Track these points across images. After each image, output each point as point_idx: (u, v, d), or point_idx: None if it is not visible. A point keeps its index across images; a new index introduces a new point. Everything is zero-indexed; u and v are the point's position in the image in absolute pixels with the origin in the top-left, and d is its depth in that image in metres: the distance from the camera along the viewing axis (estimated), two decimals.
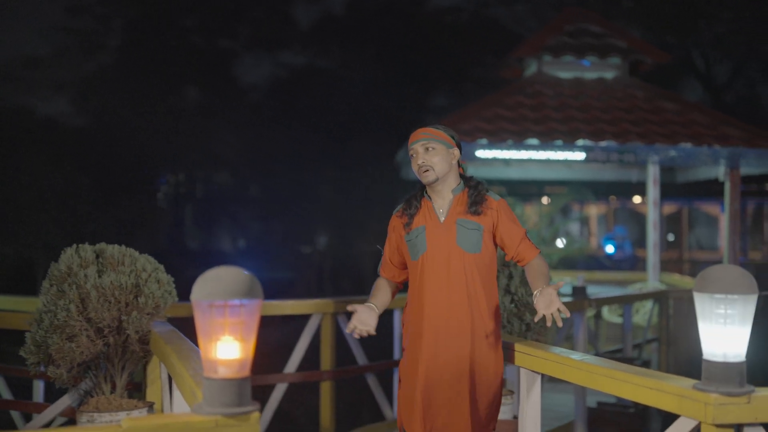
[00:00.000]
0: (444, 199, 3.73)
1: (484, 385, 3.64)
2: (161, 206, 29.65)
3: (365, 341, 7.17)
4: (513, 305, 4.84)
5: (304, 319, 6.78)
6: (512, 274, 4.90)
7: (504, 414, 4.88)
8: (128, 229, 22.27)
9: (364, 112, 28.37)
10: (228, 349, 2.38)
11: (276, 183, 29.11)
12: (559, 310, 3.42)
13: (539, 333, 4.86)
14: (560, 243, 17.12)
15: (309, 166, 28.15)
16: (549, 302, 3.43)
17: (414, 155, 3.70)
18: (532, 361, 3.84)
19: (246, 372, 2.40)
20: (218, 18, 29.85)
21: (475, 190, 3.74)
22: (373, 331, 3.65)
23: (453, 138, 3.78)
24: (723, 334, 2.81)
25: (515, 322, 4.81)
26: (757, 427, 2.81)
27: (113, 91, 24.25)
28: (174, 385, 3.67)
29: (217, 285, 2.34)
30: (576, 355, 3.67)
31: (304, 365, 6.79)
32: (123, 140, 23.11)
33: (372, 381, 7.20)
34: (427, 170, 3.65)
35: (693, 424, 2.89)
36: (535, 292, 3.55)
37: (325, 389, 6.76)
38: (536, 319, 3.45)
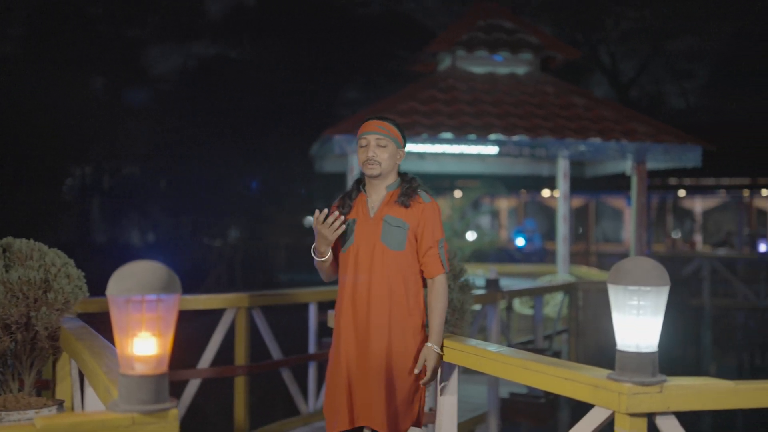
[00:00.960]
0: (378, 194, 3.78)
1: (401, 378, 3.66)
2: (67, 199, 28.98)
3: (279, 336, 7.15)
4: None
5: (217, 313, 6.70)
6: None
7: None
8: (32, 223, 21.69)
9: (276, 104, 28.18)
10: (145, 345, 2.34)
11: (186, 176, 28.72)
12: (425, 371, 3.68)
13: (455, 325, 4.90)
14: (471, 236, 17.29)
15: (220, 159, 27.86)
16: (424, 367, 3.67)
17: (365, 145, 3.70)
18: (449, 353, 3.87)
19: (164, 368, 2.36)
20: (126, 7, 29.25)
21: (408, 184, 3.79)
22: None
23: (403, 138, 3.84)
24: (636, 325, 2.87)
25: None
26: (669, 415, 2.87)
27: (16, 82, 23.53)
28: (86, 383, 3.58)
29: (134, 280, 2.29)
30: (493, 347, 3.71)
31: (218, 360, 6.71)
32: (27, 131, 22.47)
33: (287, 375, 7.17)
34: (374, 165, 3.68)
35: (607, 413, 2.95)
36: (426, 345, 3.70)
37: (240, 384, 6.70)
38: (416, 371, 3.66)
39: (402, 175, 3.85)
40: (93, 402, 3.45)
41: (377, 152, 3.68)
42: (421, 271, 3.78)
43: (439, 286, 3.75)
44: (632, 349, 2.88)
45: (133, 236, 32.37)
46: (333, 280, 3.90)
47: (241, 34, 32.25)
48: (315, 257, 3.72)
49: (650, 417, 2.88)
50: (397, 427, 3.64)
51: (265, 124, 27.86)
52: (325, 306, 7.16)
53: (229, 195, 28.49)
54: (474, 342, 3.86)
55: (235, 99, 28.47)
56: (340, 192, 3.95)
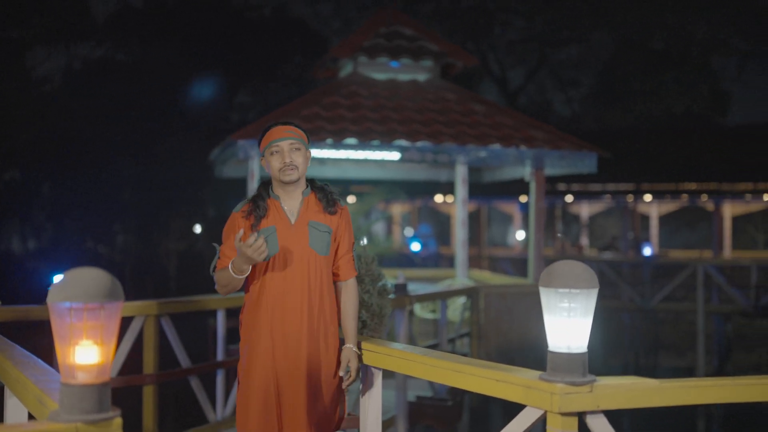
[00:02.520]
0: (294, 200, 3.73)
1: (329, 383, 3.68)
2: None
3: (187, 344, 7.05)
4: None
5: (126, 322, 6.57)
6: None
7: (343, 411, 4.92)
8: None
9: (168, 108, 27.71)
10: (87, 353, 2.30)
11: (71, 180, 27.92)
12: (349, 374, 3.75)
13: (374, 330, 4.93)
14: (362, 242, 17.37)
15: (108, 164, 27.20)
16: (347, 367, 3.73)
17: (278, 152, 3.66)
18: (374, 357, 3.89)
19: (106, 377, 2.33)
20: (9, 8, 28.31)
21: (324, 192, 3.79)
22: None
23: (308, 140, 3.82)
24: (567, 326, 2.96)
25: None
26: (598, 414, 2.97)
27: None
28: (6, 393, 3.47)
29: (76, 287, 2.26)
30: (419, 351, 3.75)
31: (125, 369, 6.57)
32: None
33: (195, 384, 7.07)
34: (293, 170, 3.65)
35: (539, 413, 3.02)
36: (345, 346, 3.77)
37: (148, 393, 6.58)
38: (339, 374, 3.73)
39: (309, 181, 3.85)
40: (16, 413, 3.35)
41: (294, 157, 3.66)
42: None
43: (352, 288, 3.83)
44: (563, 350, 2.96)
45: (14, 244, 31.29)
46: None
47: (129, 36, 31.56)
48: (233, 274, 3.52)
49: (581, 416, 2.97)
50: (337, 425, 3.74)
51: (156, 128, 27.35)
52: (233, 313, 7.11)
53: (119, 200, 27.84)
54: (400, 346, 3.90)
55: (125, 102, 27.86)
56: (238, 197, 3.86)
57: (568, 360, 2.95)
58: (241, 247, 3.41)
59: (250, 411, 3.58)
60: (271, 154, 3.68)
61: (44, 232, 30.51)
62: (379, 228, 30.82)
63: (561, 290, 2.95)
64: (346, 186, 25.63)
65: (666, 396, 3.04)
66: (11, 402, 3.42)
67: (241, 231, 3.46)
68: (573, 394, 2.89)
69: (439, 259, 24.70)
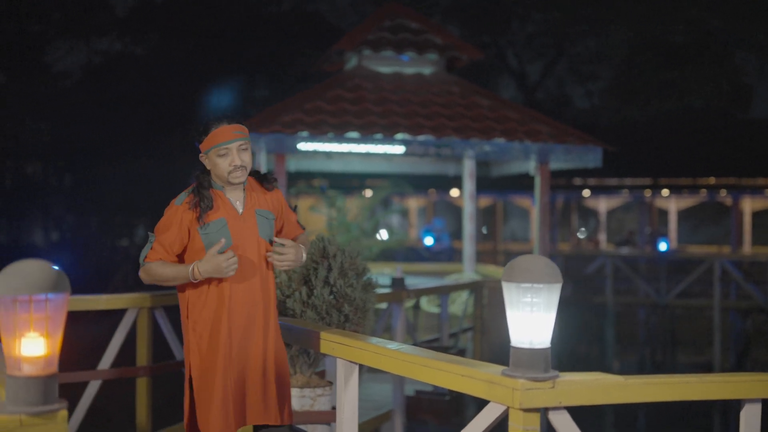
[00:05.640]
0: (237, 189, 3.66)
1: (283, 374, 3.67)
2: None
3: (181, 336, 7.05)
4: (332, 297, 4.88)
5: (120, 314, 6.59)
6: (331, 266, 4.94)
7: (323, 405, 4.93)
8: None
9: (184, 101, 27.80)
10: (33, 345, 2.31)
11: (92, 174, 28.12)
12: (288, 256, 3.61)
13: (357, 324, 4.92)
14: (382, 235, 17.38)
15: (127, 157, 27.35)
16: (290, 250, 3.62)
17: (226, 155, 3.54)
18: (350, 351, 3.88)
19: (53, 369, 2.33)
20: (27, 2, 28.49)
21: (261, 177, 3.78)
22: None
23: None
24: (529, 321, 2.93)
25: (334, 313, 4.85)
26: (561, 410, 2.94)
27: None
28: None
29: (21, 279, 2.26)
30: (392, 345, 3.74)
31: (120, 361, 6.59)
32: None
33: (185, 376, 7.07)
34: (242, 171, 3.56)
35: (501, 409, 3.00)
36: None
37: (141, 385, 6.60)
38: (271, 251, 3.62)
39: None
40: None
41: (243, 157, 3.56)
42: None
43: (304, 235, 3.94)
44: (526, 345, 2.94)
45: (36, 236, 31.56)
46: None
47: (148, 30, 31.71)
48: (190, 277, 3.44)
49: (543, 412, 2.94)
50: (291, 417, 3.68)
51: (173, 121, 27.45)
52: None
53: (137, 194, 27.99)
54: (375, 340, 3.89)
55: (143, 96, 28.00)
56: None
57: (530, 355, 2.93)
58: (218, 260, 3.37)
59: (212, 407, 3.49)
60: (219, 155, 3.55)
61: (65, 225, 30.77)
62: (395, 222, 30.82)
63: (523, 285, 2.93)
64: (360, 180, 25.68)
65: (629, 393, 3.01)
66: None
67: (223, 241, 3.42)
68: (534, 389, 2.86)
69: (452, 253, 24.65)
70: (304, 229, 3.95)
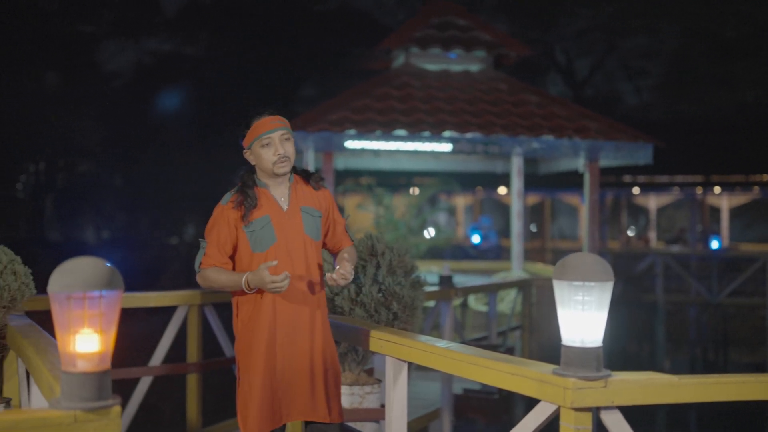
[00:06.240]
0: (282, 186, 3.65)
1: (332, 372, 3.66)
2: (21, 196, 28.61)
3: (230, 333, 7.11)
4: (380, 294, 4.88)
5: (170, 311, 6.65)
6: (380, 263, 4.93)
7: (371, 402, 4.92)
8: None
9: (232, 101, 28.02)
10: (87, 341, 2.32)
11: (142, 172, 28.46)
12: (344, 276, 3.51)
13: (406, 322, 4.91)
14: (429, 233, 17.35)
15: (176, 156, 27.64)
16: (343, 271, 3.51)
17: (269, 145, 3.55)
18: (399, 349, 3.87)
19: (106, 365, 2.35)
20: (80, 2, 28.91)
21: (307, 174, 3.76)
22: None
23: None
24: (581, 320, 2.90)
25: (382, 311, 4.84)
26: (613, 410, 2.91)
27: None
28: (32, 381, 3.55)
29: (76, 276, 2.27)
30: (441, 343, 3.72)
31: (170, 358, 6.66)
32: None
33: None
34: (286, 161, 3.56)
35: (552, 408, 2.97)
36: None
37: (192, 382, 6.66)
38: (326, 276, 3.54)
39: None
40: (38, 400, 3.41)
41: (286, 148, 3.56)
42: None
43: (354, 249, 3.84)
44: (577, 344, 2.90)
45: (88, 234, 32.02)
46: None
47: (197, 30, 32.01)
48: (245, 289, 3.45)
49: (595, 411, 2.91)
50: (341, 415, 3.66)
51: (221, 121, 27.68)
52: None
53: (187, 192, 28.27)
54: (423, 338, 3.87)
55: (192, 95, 28.27)
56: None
57: (581, 354, 2.89)
58: (266, 278, 3.35)
59: (251, 403, 3.50)
60: (262, 146, 3.56)
61: (116, 223, 31.17)
62: (442, 220, 30.75)
63: (575, 283, 2.90)
64: (407, 177, 25.64)
65: (683, 393, 2.96)
66: (34, 389, 3.49)
67: (274, 263, 3.38)
68: (586, 389, 2.83)
69: (500, 251, 24.53)
70: (353, 241, 3.89)
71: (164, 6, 32.69)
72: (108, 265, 2.34)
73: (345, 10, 33.02)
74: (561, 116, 13.01)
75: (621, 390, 2.87)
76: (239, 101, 27.73)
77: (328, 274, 3.56)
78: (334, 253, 3.87)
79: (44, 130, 25.89)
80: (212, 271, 3.56)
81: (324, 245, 3.83)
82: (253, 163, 3.65)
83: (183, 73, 29.73)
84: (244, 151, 3.67)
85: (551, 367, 3.03)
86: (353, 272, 3.57)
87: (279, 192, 3.64)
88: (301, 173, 3.76)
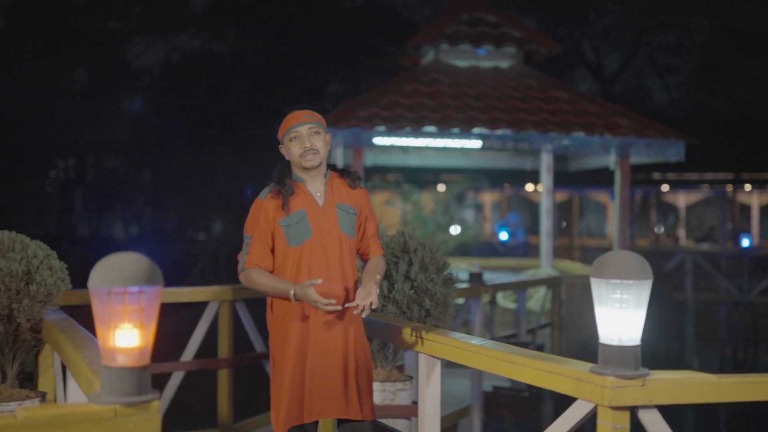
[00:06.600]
0: (318, 182, 3.67)
1: (365, 369, 3.66)
2: (49, 192, 28.81)
3: (263, 328, 7.13)
4: (413, 291, 4.87)
5: (200, 306, 6.68)
6: (412, 260, 4.92)
7: (403, 399, 4.92)
8: (15, 215, 21.57)
9: (260, 97, 28.09)
10: (127, 336, 2.33)
11: (169, 168, 28.60)
12: (371, 304, 3.46)
13: (438, 319, 4.90)
14: (455, 230, 17.32)
15: (203, 152, 27.75)
16: (367, 294, 3.47)
17: (297, 138, 3.59)
18: (433, 346, 3.87)
19: (146, 360, 2.36)
20: (108, 0, 29.13)
21: (346, 173, 3.77)
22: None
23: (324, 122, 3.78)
24: (618, 318, 2.88)
25: (415, 308, 4.84)
26: (651, 409, 2.89)
27: None
28: (68, 375, 3.57)
29: (116, 271, 2.29)
30: (476, 341, 3.71)
31: (201, 353, 6.69)
32: (9, 124, 22.34)
33: (269, 368, 7.14)
34: (314, 154, 3.58)
35: (590, 406, 2.96)
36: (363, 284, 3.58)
37: (223, 377, 6.68)
38: (348, 306, 3.51)
39: (329, 166, 3.77)
40: (75, 394, 3.44)
41: (313, 141, 3.58)
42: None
43: (381, 259, 3.81)
44: (615, 342, 2.89)
45: (117, 229, 32.25)
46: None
47: (224, 26, 32.13)
48: (291, 299, 3.46)
49: (633, 410, 2.89)
50: (373, 413, 3.66)
51: (248, 117, 27.76)
52: None
53: (214, 188, 28.39)
54: (457, 335, 3.87)
55: (219, 92, 28.38)
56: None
57: (619, 353, 2.88)
58: (311, 296, 3.37)
59: (281, 399, 3.52)
60: (291, 140, 3.61)
61: (144, 218, 31.36)
62: (469, 216, 30.69)
63: (613, 281, 2.88)
64: (435, 174, 25.62)
65: (723, 392, 2.94)
66: (71, 383, 3.51)
67: (319, 281, 3.39)
68: (624, 387, 2.82)
69: (528, 248, 24.43)
70: (382, 250, 3.86)
71: (192, 3, 32.84)
72: (148, 260, 2.35)
73: (371, 6, 33.00)
74: (592, 113, 12.94)
75: (659, 389, 2.86)
76: (266, 97, 27.83)
77: (351, 305, 3.53)
78: (363, 260, 3.85)
79: (73, 125, 26.07)
80: (257, 274, 3.58)
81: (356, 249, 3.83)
82: (287, 157, 3.68)
83: (211, 69, 29.84)
84: (280, 145, 3.71)
85: (588, 365, 3.01)
86: (373, 291, 3.49)
87: (315, 187, 3.65)
88: (338, 171, 3.77)
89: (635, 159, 13.55)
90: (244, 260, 3.63)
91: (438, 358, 3.93)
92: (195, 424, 7.06)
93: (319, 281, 3.39)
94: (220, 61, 30.73)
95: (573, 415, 3.04)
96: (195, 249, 26.40)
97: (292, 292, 3.46)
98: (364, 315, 3.51)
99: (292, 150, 3.61)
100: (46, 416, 2.14)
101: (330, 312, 3.43)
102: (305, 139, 3.58)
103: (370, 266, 3.74)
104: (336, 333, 3.58)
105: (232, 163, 27.83)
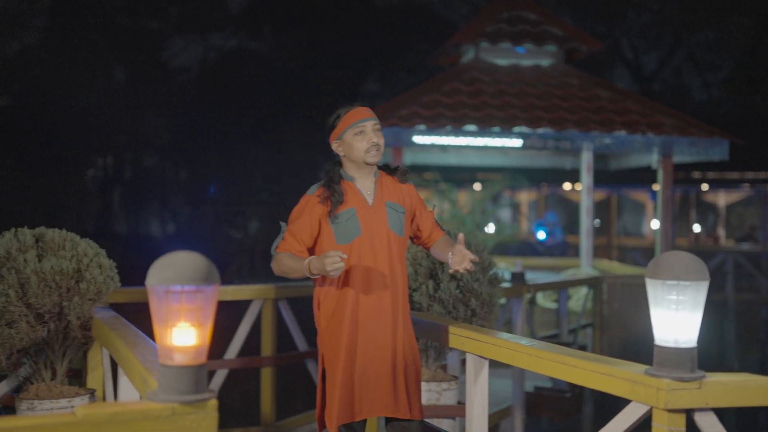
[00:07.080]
0: (368, 180, 3.65)
1: (414, 369, 3.65)
2: (88, 189, 29.07)
3: (305, 327, 7.14)
4: (458, 291, 4.86)
5: (241, 305, 6.70)
6: None
7: (448, 399, 4.91)
8: (55, 213, 21.78)
9: (296, 95, 28.17)
10: (184, 335, 2.34)
11: (206, 166, 28.78)
12: (470, 261, 3.46)
13: (484, 318, 4.88)
14: (490, 229, 17.24)
15: (240, 150, 27.88)
16: (462, 257, 3.45)
17: (362, 133, 3.56)
18: (480, 346, 3.85)
19: (202, 359, 2.37)
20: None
21: (392, 168, 3.77)
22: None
23: None
24: (674, 319, 2.85)
25: (461, 307, 4.82)
26: (708, 412, 2.85)
27: (39, 72, 23.63)
28: (119, 372, 3.59)
29: (174, 270, 2.30)
30: (525, 341, 3.68)
31: (244, 351, 6.71)
32: (49, 122, 22.57)
33: (312, 367, 7.14)
34: (378, 150, 3.58)
35: (645, 409, 2.92)
36: (449, 253, 3.54)
37: (266, 375, 6.71)
38: (452, 270, 3.48)
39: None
40: (127, 391, 3.46)
41: (377, 138, 3.57)
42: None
43: (446, 236, 3.81)
44: (670, 344, 2.85)
45: (154, 227, 32.51)
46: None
47: (261, 25, 32.26)
48: (307, 273, 3.39)
49: (689, 413, 2.86)
50: (421, 412, 3.64)
51: (284, 115, 27.85)
52: None
53: (250, 186, 28.51)
54: (506, 336, 3.85)
55: (256, 90, 28.48)
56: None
57: (675, 355, 2.84)
58: (323, 260, 3.28)
59: (334, 397, 3.50)
60: (355, 135, 3.55)
61: (181, 216, 31.57)
62: (505, 215, 30.57)
63: (669, 282, 2.84)
64: (472, 173, 25.54)
65: None
66: (123, 381, 3.53)
67: (345, 256, 3.29)
68: (680, 390, 2.78)
69: (565, 248, 24.28)
70: (444, 231, 3.86)
71: (230, 2, 33.03)
72: (206, 259, 2.36)
73: (406, 5, 32.96)
74: (634, 111, 12.83)
75: (716, 391, 2.82)
76: (302, 96, 27.91)
77: (452, 268, 3.49)
78: (428, 247, 3.83)
79: (112, 124, 26.31)
80: (284, 256, 3.54)
81: (417, 240, 3.84)
82: (342, 154, 3.63)
83: (247, 68, 29.96)
84: (333, 142, 3.65)
85: (643, 367, 2.98)
86: (465, 252, 3.47)
87: (365, 186, 3.64)
88: (386, 168, 3.76)
89: (678, 158, 13.42)
90: (276, 245, 3.61)
91: (486, 359, 3.91)
92: (238, 422, 7.08)
93: (345, 256, 3.30)
94: (256, 59, 30.85)
95: (627, 417, 3.01)
96: (232, 247, 26.53)
97: (306, 263, 3.40)
98: (468, 266, 3.46)
99: (355, 145, 3.56)
100: (106, 414, 2.15)
101: (337, 269, 3.27)
102: (371, 134, 3.56)
103: (445, 240, 3.74)
104: (385, 331, 3.57)
105: (268, 161, 27.93)
